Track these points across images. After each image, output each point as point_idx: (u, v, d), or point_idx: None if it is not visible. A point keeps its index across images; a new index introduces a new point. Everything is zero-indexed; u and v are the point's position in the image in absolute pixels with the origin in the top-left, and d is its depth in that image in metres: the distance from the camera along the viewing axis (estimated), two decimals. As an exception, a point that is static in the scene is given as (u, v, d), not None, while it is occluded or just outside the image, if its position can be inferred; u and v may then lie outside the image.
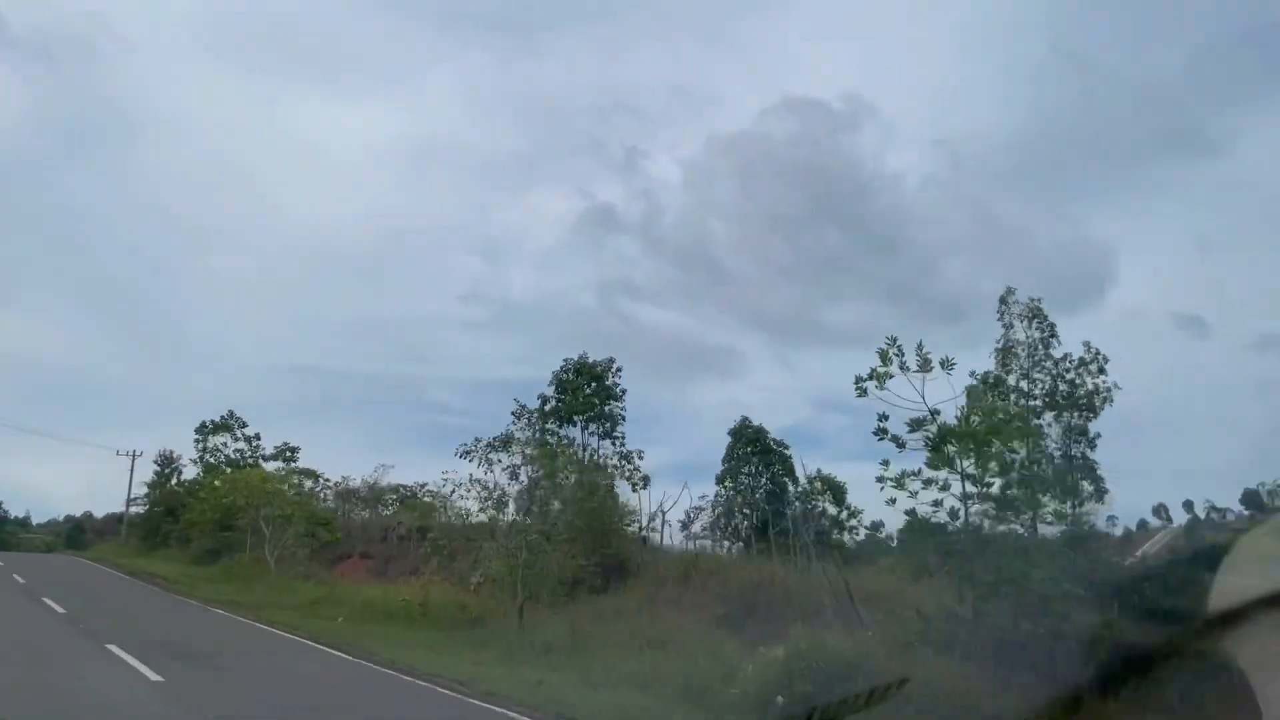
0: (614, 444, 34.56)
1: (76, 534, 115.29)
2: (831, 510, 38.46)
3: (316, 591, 26.63)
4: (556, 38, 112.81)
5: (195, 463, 51.72)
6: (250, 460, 47.87)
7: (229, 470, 44.37)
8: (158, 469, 56.33)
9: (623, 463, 33.77)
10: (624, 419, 34.60)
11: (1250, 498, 34.44)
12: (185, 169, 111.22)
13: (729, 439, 39.96)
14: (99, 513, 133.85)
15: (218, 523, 37.64)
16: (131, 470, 75.31)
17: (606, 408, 34.59)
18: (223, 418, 51.48)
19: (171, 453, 55.62)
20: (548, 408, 34.45)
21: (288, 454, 48.01)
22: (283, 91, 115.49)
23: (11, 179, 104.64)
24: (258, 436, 50.86)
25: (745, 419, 40.11)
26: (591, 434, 34.58)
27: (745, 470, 39.39)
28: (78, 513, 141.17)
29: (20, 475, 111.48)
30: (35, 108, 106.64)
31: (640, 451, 34.23)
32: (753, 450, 39.71)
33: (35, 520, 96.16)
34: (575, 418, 34.47)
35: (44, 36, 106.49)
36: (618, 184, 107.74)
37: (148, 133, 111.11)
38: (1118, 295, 75.00)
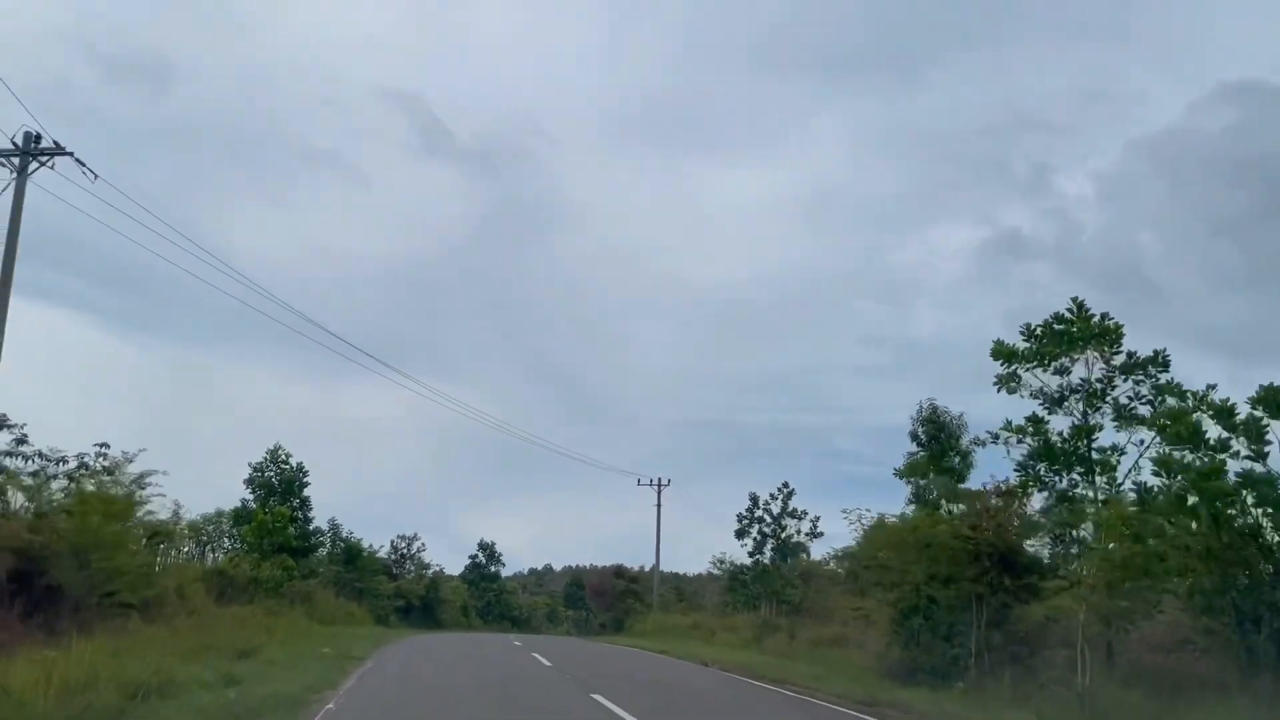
0: None
1: (575, 594, 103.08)
2: None
3: None
4: (941, 66, 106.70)
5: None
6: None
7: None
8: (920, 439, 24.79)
9: None
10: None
11: None
12: (600, 248, 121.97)
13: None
14: (560, 563, 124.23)
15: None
16: (659, 503, 58.06)
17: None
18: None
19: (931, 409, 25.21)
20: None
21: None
22: (677, 163, 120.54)
23: (466, 273, 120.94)
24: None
25: None
26: None
27: None
28: (539, 564, 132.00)
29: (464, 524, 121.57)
30: (480, 208, 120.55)
31: None
32: None
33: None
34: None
35: (484, 143, 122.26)
36: (1024, 207, 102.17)
37: (568, 219, 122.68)
38: None
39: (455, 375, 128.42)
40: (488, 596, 73.30)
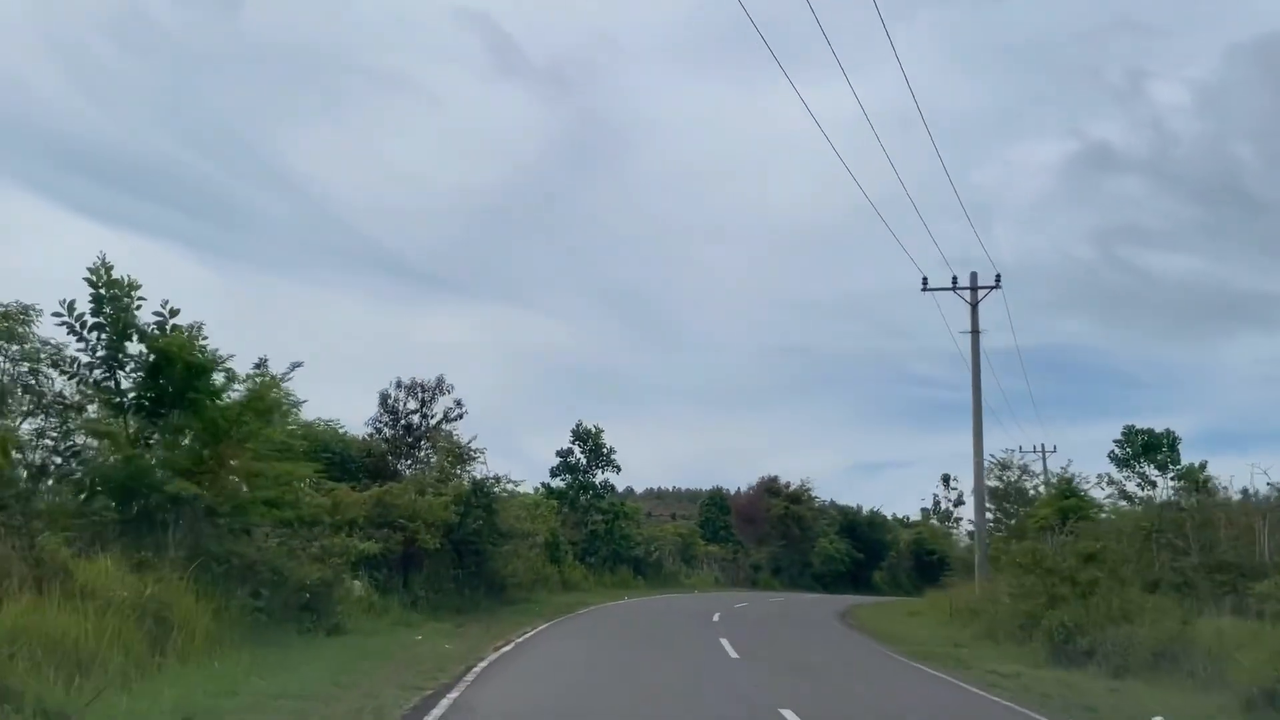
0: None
1: (716, 519, 69.95)
2: None
3: None
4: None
5: None
6: None
7: None
8: None
9: None
10: None
11: None
12: (669, 169, 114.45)
13: None
14: (641, 486, 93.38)
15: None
16: (974, 328, 26.95)
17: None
18: None
19: None
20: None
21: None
22: (750, 84, 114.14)
23: (533, 195, 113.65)
24: None
25: None
26: None
27: None
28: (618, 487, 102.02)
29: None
30: (550, 128, 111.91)
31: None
32: None
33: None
34: None
35: (556, 61, 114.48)
36: (1116, 117, 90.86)
37: (636, 138, 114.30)
38: None
39: (528, 301, 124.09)
40: (593, 524, 39.96)
